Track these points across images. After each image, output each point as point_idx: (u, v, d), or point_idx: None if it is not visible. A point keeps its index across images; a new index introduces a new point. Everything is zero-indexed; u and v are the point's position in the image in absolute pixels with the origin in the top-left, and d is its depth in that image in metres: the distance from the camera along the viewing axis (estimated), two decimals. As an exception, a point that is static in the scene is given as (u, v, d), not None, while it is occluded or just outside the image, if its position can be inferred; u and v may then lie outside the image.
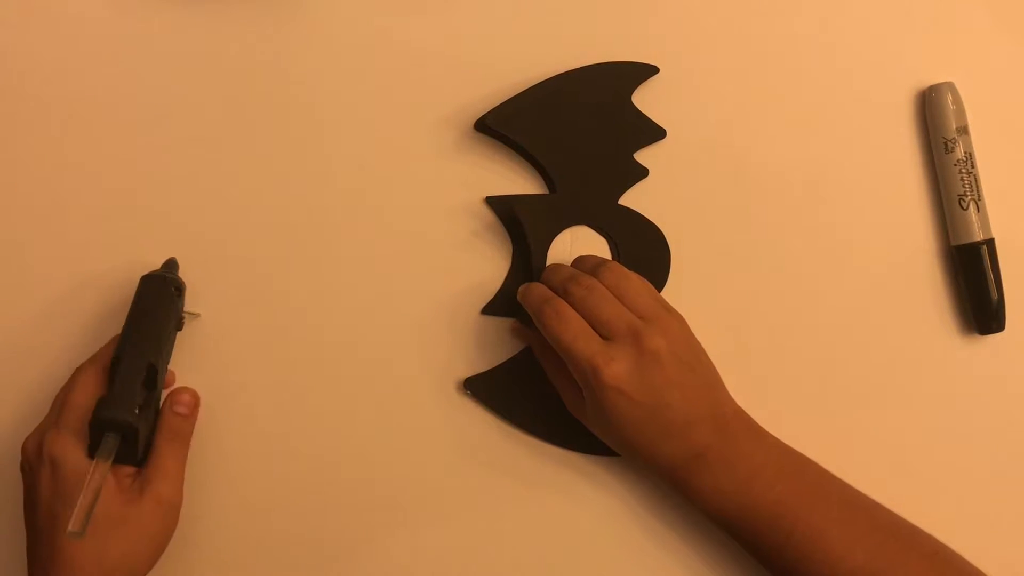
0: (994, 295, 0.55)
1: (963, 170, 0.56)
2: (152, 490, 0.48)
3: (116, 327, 0.51)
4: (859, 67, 0.58)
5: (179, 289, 0.52)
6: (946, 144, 0.56)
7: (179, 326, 0.52)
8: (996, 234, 0.56)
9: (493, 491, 0.55)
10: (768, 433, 0.50)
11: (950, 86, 0.56)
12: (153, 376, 0.48)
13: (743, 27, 0.58)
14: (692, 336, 0.51)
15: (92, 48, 0.56)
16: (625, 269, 0.51)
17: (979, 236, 0.55)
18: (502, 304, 0.55)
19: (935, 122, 0.57)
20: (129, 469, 0.49)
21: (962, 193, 0.56)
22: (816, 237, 0.57)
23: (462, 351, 0.55)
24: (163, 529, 0.49)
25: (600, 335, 0.49)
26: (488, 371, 0.55)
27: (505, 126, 0.55)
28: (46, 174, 0.55)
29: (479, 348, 0.55)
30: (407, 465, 0.54)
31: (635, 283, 0.51)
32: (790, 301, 0.57)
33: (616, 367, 0.47)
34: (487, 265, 0.56)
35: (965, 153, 0.56)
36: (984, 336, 0.56)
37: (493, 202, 0.56)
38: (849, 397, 0.56)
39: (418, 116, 0.56)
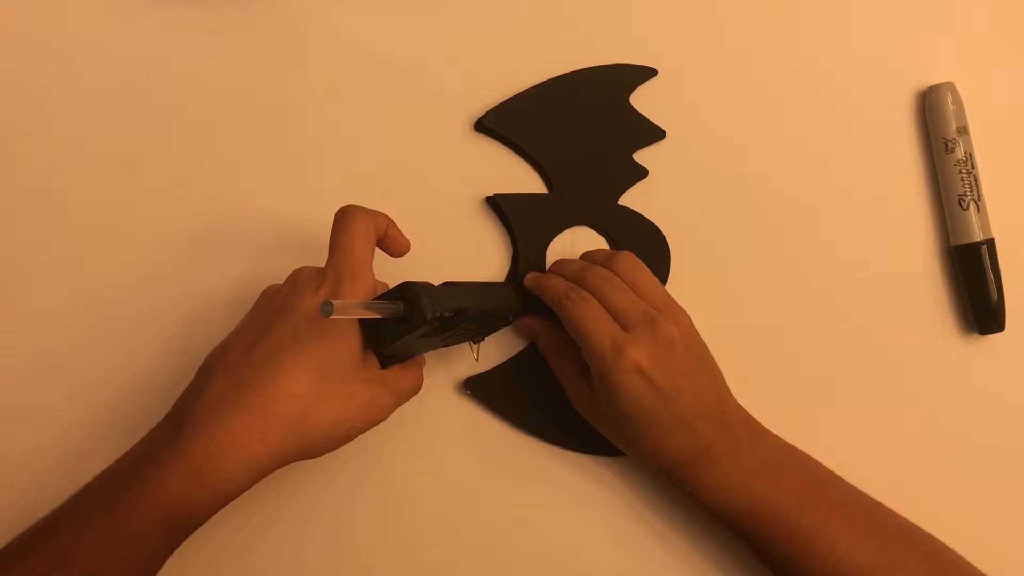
0: (994, 295, 0.55)
1: (963, 170, 0.56)
2: (388, 378, 0.47)
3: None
4: (859, 67, 0.58)
5: (514, 316, 0.53)
6: (946, 144, 0.56)
7: (475, 338, 0.52)
8: (996, 234, 0.56)
9: (493, 491, 0.55)
10: (769, 432, 0.50)
11: (950, 86, 0.56)
12: (461, 318, 0.46)
13: (742, 29, 0.58)
14: (697, 332, 0.51)
15: (92, 48, 0.56)
16: (639, 260, 0.52)
17: (979, 236, 0.55)
18: (502, 304, 0.55)
19: (935, 122, 0.57)
20: (374, 360, 0.47)
21: (962, 193, 0.56)
22: (816, 237, 0.57)
23: (462, 350, 0.55)
24: (368, 420, 0.46)
25: (618, 320, 0.49)
26: (488, 371, 0.55)
27: (504, 126, 0.55)
28: (46, 175, 0.55)
29: (479, 348, 0.55)
30: (407, 465, 0.54)
31: (648, 274, 0.51)
32: (790, 301, 0.57)
33: (636, 352, 0.47)
34: (487, 265, 0.56)
35: (965, 153, 0.56)
36: (984, 336, 0.56)
37: (493, 202, 0.56)
38: (849, 397, 0.56)
39: (418, 116, 0.56)
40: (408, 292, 0.44)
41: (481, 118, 0.55)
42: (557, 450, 0.55)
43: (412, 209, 0.56)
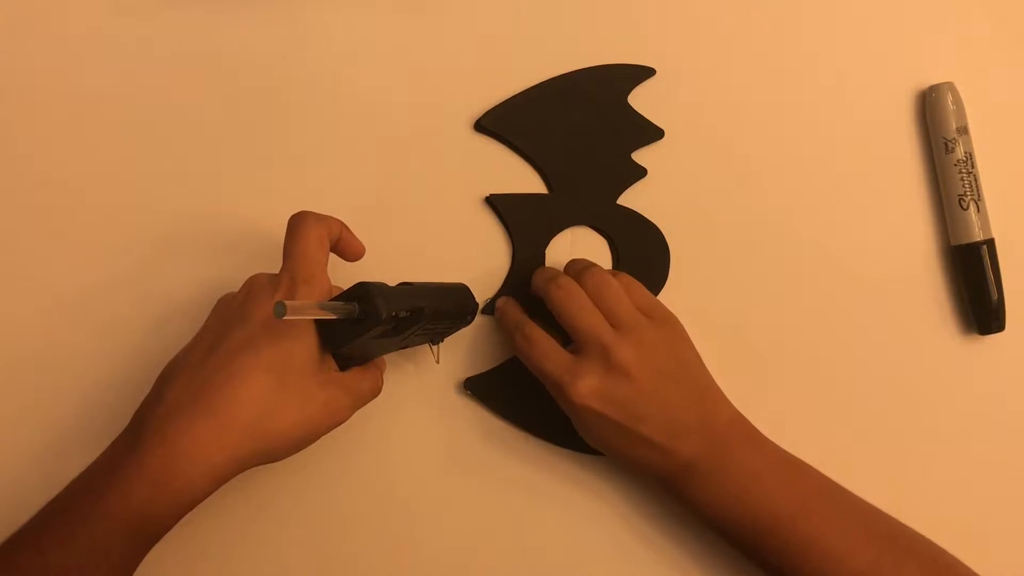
0: (994, 295, 0.55)
1: (963, 170, 0.56)
2: (347, 380, 0.47)
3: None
4: (859, 67, 0.58)
5: (472, 315, 0.53)
6: (946, 144, 0.56)
7: (435, 339, 0.52)
8: (996, 234, 0.56)
9: (493, 490, 0.55)
10: (767, 440, 0.50)
11: (950, 86, 0.56)
12: (417, 317, 0.46)
13: (741, 28, 0.58)
14: (678, 344, 0.50)
15: (92, 47, 0.56)
16: (607, 275, 0.51)
17: (979, 236, 0.55)
18: (502, 304, 0.55)
19: (935, 122, 0.56)
20: (333, 362, 0.48)
21: (962, 193, 0.56)
22: (816, 237, 0.57)
23: (462, 351, 0.55)
24: (327, 423, 0.46)
25: (576, 341, 0.49)
26: (488, 371, 0.55)
27: (501, 127, 0.55)
28: (45, 173, 0.56)
29: (479, 348, 0.55)
30: (407, 464, 0.55)
31: (615, 290, 0.50)
32: (790, 301, 0.57)
33: (583, 384, 0.47)
34: (487, 265, 0.56)
35: (965, 153, 0.56)
36: (984, 336, 0.56)
37: (493, 202, 0.56)
38: (849, 397, 0.56)
39: (418, 116, 0.57)
40: (362, 292, 0.44)
41: (480, 118, 0.55)
42: (556, 449, 0.55)
43: (412, 209, 0.56)
